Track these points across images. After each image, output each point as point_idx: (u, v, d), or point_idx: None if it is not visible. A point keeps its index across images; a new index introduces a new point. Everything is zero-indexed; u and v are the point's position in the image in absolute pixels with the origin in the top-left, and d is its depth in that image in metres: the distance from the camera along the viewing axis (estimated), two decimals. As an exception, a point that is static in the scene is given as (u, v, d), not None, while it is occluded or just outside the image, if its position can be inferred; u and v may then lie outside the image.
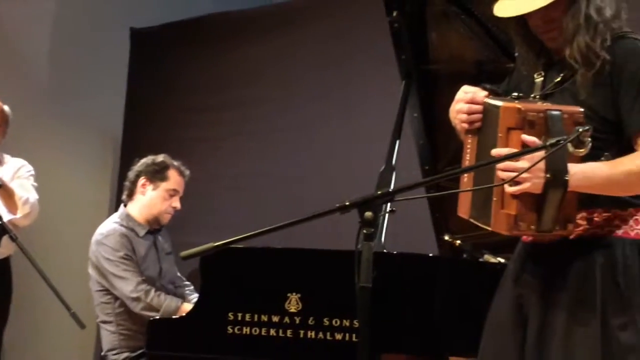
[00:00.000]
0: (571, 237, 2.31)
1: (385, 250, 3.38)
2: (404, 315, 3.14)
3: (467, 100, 2.40)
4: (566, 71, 2.36)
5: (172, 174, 4.40)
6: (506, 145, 2.22)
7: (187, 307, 4.05)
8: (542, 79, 2.44)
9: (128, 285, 4.12)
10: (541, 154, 2.16)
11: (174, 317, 3.80)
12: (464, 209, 2.45)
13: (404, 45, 3.67)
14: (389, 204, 3.31)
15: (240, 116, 5.97)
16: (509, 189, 2.21)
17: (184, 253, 2.13)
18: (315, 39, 5.76)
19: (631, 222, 2.33)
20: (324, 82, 5.63)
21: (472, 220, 2.43)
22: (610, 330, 2.26)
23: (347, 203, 2.07)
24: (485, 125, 2.37)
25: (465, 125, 2.40)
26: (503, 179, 2.20)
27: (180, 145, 5.77)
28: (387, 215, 3.41)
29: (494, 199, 2.25)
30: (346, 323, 3.11)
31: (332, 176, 5.36)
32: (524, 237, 2.47)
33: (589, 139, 2.16)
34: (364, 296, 1.99)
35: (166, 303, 4.07)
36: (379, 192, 2.14)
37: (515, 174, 2.17)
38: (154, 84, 6.38)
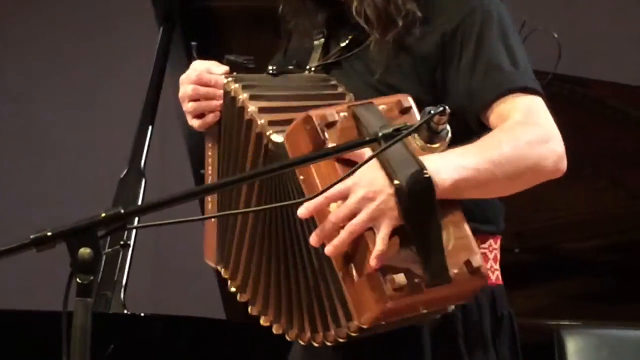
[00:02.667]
0: None
1: (125, 311, 2.61)
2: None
3: (192, 80, 1.83)
4: (358, 31, 1.79)
5: None
6: (314, 182, 1.55)
7: None
8: (323, 40, 1.87)
9: None
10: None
11: None
12: (209, 253, 1.93)
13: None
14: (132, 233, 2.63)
15: None
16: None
17: None
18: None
19: (491, 260, 1.76)
20: (54, 35, 4.71)
21: (220, 269, 1.89)
22: None
23: (48, 233, 1.42)
24: (230, 123, 1.80)
25: (196, 121, 1.85)
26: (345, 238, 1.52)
27: None
28: (122, 251, 2.63)
29: (340, 273, 1.54)
30: None
31: (62, 183, 4.50)
32: None
33: (447, 128, 1.48)
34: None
35: None
36: (103, 214, 1.45)
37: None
38: None
